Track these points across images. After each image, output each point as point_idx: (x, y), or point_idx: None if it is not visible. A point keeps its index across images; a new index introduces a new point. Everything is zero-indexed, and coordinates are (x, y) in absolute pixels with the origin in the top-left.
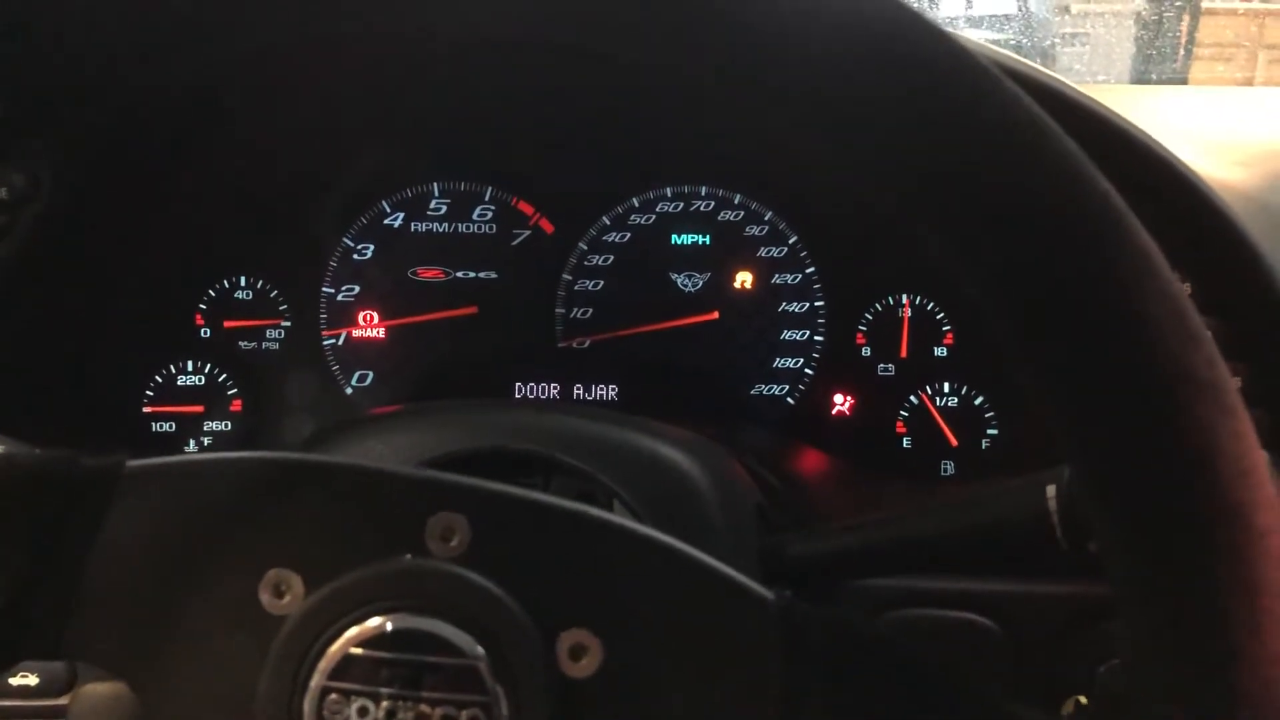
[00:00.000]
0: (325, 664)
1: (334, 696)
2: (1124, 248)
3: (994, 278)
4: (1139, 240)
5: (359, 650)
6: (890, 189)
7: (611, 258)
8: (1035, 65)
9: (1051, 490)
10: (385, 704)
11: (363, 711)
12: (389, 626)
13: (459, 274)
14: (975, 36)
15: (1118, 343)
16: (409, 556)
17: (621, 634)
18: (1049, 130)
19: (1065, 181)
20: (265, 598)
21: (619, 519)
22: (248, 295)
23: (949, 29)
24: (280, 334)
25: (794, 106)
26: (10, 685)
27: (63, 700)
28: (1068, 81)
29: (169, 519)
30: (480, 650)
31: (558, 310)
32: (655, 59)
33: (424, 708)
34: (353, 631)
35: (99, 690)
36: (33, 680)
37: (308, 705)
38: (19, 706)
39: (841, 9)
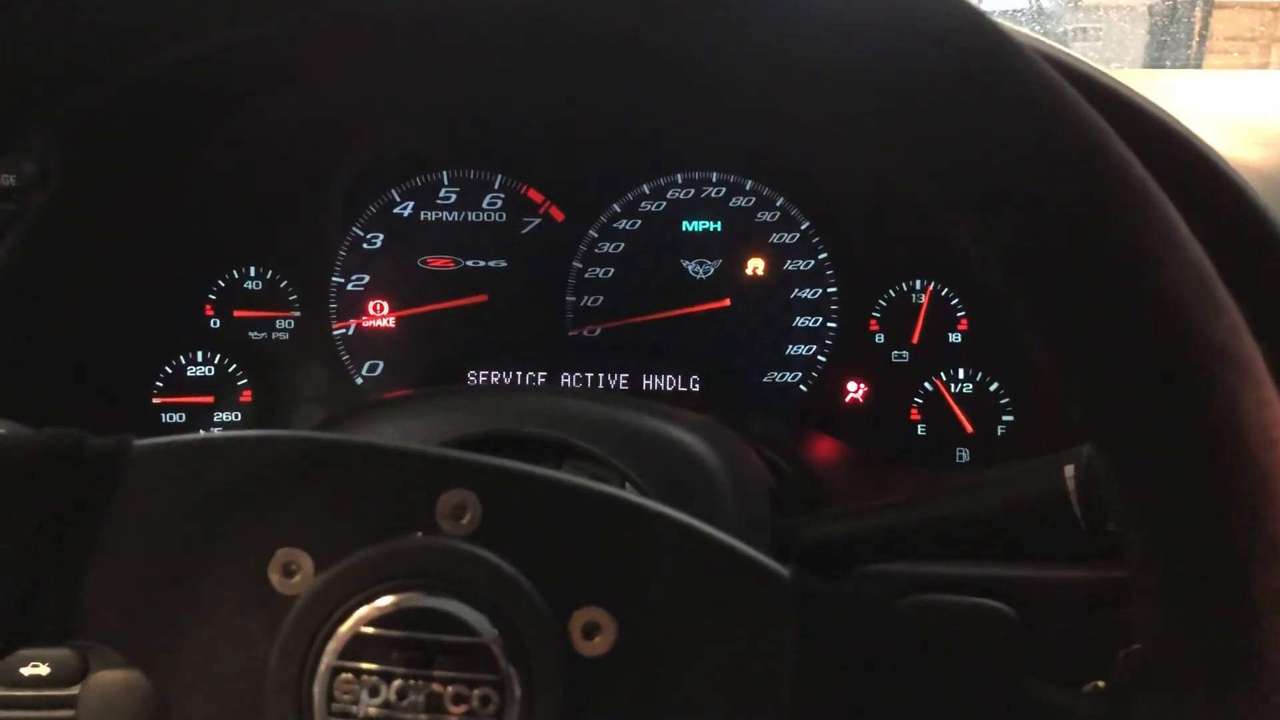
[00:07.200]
0: (336, 644)
1: (345, 676)
2: (1146, 216)
3: (1011, 249)
4: (1162, 208)
5: (370, 630)
6: (905, 160)
7: (622, 245)
8: (1053, 43)
9: (1070, 470)
10: (396, 684)
11: (374, 691)
12: (400, 606)
13: (469, 263)
14: None
15: (1141, 312)
16: (420, 535)
17: (635, 612)
18: (1070, 99)
19: (1085, 149)
20: (275, 578)
21: (632, 496)
22: (257, 285)
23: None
24: (290, 324)
25: (834, 98)
26: (22, 675)
27: (74, 690)
28: (1085, 59)
29: (176, 499)
30: (492, 629)
31: (568, 298)
32: (708, 55)
33: (436, 687)
34: (363, 611)
35: (110, 679)
36: (44, 670)
37: (318, 686)
38: (30, 696)
39: None
